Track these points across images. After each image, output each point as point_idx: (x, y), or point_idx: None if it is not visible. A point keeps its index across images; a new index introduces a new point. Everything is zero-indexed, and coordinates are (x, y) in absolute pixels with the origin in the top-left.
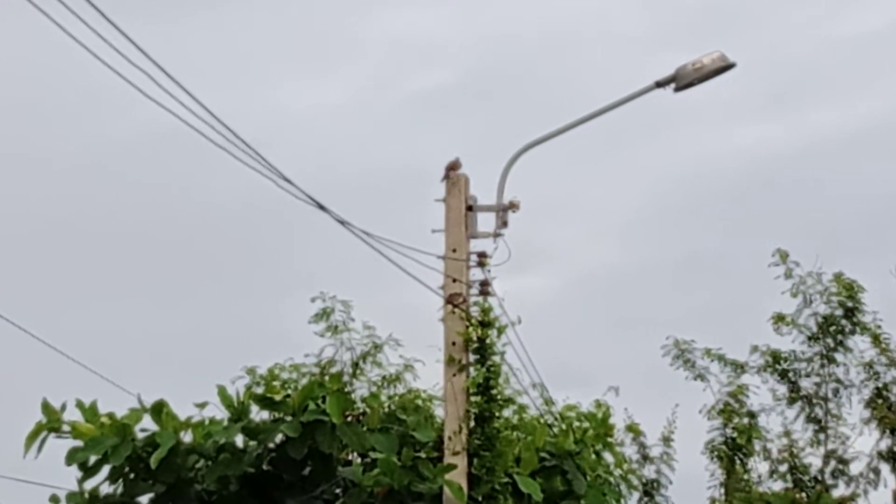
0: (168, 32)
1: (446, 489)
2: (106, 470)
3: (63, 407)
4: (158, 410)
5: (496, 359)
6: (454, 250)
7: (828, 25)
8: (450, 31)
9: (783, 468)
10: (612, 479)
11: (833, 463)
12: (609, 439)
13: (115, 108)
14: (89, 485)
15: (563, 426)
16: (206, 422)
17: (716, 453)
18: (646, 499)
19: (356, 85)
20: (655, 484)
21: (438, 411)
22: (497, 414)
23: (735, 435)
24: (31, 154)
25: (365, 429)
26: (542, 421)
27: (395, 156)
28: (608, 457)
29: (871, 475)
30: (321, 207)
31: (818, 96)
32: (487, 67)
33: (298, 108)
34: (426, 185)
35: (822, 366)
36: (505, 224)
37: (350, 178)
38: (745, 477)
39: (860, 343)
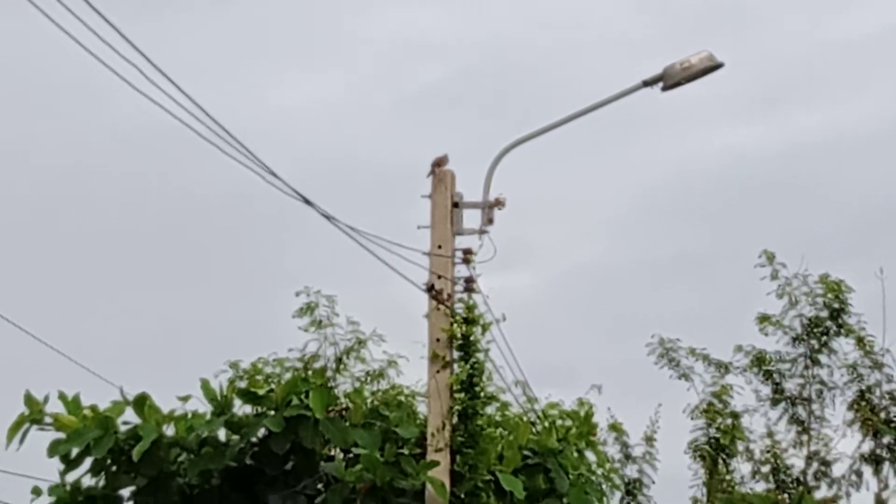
0: (160, 26)
1: (429, 486)
2: (88, 462)
3: (46, 399)
4: (141, 403)
5: (480, 356)
6: (439, 247)
7: (818, 29)
8: (442, 29)
9: (766, 469)
10: (594, 477)
11: (815, 465)
12: (592, 438)
13: (103, 102)
14: (71, 477)
15: (546, 424)
16: (189, 415)
17: (699, 453)
18: (628, 498)
19: (345, 82)
20: (638, 483)
21: (421, 408)
22: (480, 411)
23: (718, 435)
24: (14, 147)
25: (348, 424)
26: (524, 419)
27: (382, 151)
28: (591, 455)
29: (854, 477)
30: (307, 202)
31: (807, 99)
32: (477, 66)
33: (287, 103)
34: (413, 181)
35: (806, 367)
36: (490, 221)
37: (337, 174)
38: (728, 477)
39: (844, 345)
